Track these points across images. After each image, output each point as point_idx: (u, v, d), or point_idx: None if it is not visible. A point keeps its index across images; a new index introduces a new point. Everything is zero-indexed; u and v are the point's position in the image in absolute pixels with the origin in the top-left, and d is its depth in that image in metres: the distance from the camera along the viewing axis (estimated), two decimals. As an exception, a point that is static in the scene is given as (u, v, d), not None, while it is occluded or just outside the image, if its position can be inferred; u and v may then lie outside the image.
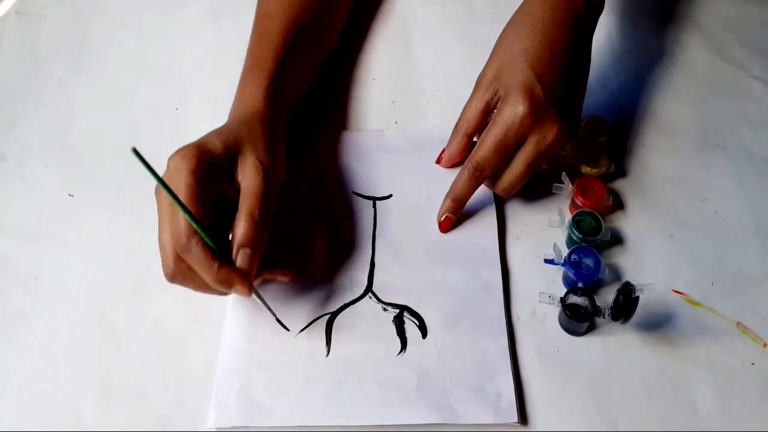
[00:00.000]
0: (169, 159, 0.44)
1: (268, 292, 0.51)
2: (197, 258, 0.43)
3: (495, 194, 0.55)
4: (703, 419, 0.46)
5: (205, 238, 0.43)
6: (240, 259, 0.44)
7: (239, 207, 0.45)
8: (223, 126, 0.49)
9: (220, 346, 0.49)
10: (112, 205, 0.57)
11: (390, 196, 0.56)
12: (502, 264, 0.53)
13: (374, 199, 0.56)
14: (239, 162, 0.47)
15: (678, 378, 0.48)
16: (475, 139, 0.54)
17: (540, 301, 0.50)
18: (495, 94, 0.52)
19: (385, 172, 0.57)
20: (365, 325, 0.50)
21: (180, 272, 0.44)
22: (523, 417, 0.46)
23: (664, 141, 0.60)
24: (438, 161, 0.57)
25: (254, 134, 0.48)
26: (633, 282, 0.47)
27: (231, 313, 0.50)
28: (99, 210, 0.57)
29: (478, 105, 0.53)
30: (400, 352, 0.49)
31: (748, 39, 0.67)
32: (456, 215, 0.54)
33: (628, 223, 0.55)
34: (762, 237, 0.54)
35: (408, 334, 0.49)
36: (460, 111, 0.55)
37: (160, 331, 0.50)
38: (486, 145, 0.50)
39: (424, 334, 0.49)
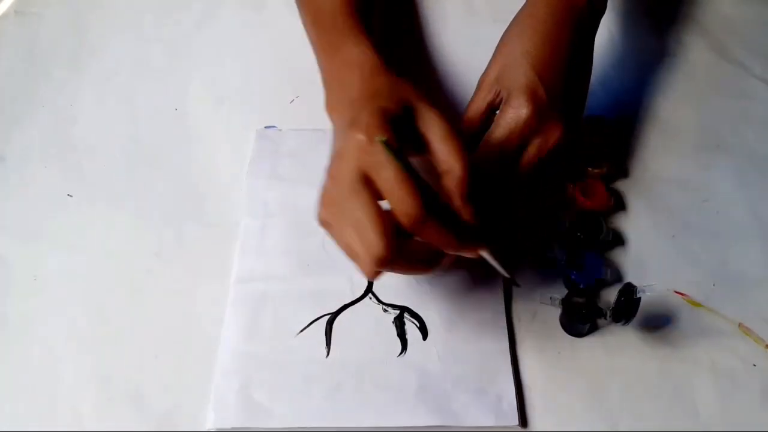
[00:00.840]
0: (354, 133, 0.39)
1: (267, 298, 0.51)
2: (436, 226, 0.38)
3: (496, 195, 0.55)
4: (704, 420, 0.46)
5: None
6: (451, 180, 0.40)
7: (432, 140, 0.41)
8: (368, 91, 0.44)
9: (219, 347, 0.49)
10: (112, 205, 0.57)
11: (390, 196, 0.56)
12: (503, 264, 0.52)
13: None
14: (416, 114, 0.42)
15: (679, 379, 0.48)
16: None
17: (541, 302, 0.50)
18: (497, 96, 0.52)
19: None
20: (365, 326, 0.50)
21: (396, 252, 0.38)
22: (523, 419, 0.46)
23: (666, 141, 0.60)
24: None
25: (402, 84, 0.44)
26: (634, 283, 0.47)
27: (230, 314, 0.50)
28: (99, 210, 0.57)
29: (480, 106, 0.53)
30: (400, 354, 0.49)
31: (749, 39, 0.67)
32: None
33: (629, 223, 0.55)
34: (764, 238, 0.54)
35: (408, 336, 0.49)
36: (461, 111, 0.55)
37: (159, 331, 0.50)
38: (488, 147, 0.50)
39: (425, 336, 0.49)
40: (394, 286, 0.51)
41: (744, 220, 0.55)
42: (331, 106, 0.48)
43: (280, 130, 0.60)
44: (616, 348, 0.49)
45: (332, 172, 0.41)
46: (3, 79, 0.66)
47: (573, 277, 0.50)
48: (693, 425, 0.46)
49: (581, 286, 0.49)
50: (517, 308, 0.51)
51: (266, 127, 0.60)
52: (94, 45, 0.68)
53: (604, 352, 0.49)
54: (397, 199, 0.38)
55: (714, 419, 0.46)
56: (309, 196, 0.55)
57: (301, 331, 0.49)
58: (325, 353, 0.49)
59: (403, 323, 0.50)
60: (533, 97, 0.49)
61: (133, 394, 0.48)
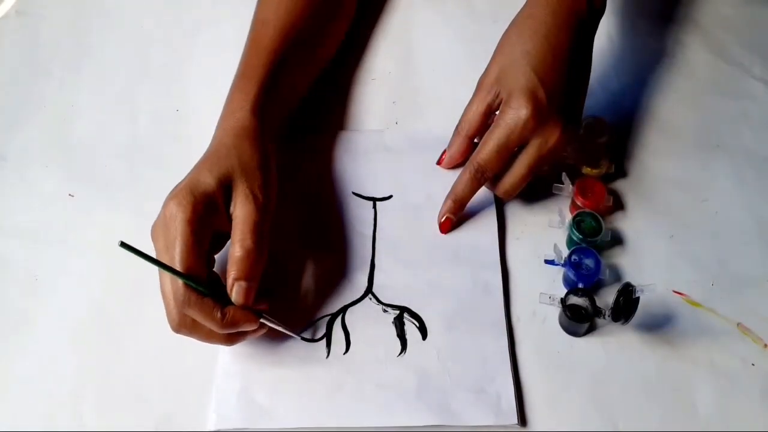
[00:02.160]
0: (165, 205, 0.44)
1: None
2: (198, 311, 0.43)
3: (495, 195, 0.55)
4: (703, 420, 0.46)
5: (201, 290, 0.43)
6: (235, 293, 0.44)
7: (232, 239, 0.45)
8: (212, 153, 0.48)
9: (220, 347, 0.49)
10: (112, 205, 0.57)
11: (390, 196, 0.56)
12: (502, 264, 0.53)
13: (374, 199, 0.56)
14: (232, 193, 0.46)
15: (678, 379, 0.48)
16: (476, 140, 0.54)
17: (540, 302, 0.50)
18: (497, 97, 0.52)
19: (385, 173, 0.57)
20: (365, 327, 0.50)
21: (185, 325, 0.44)
22: (522, 418, 0.46)
23: (665, 141, 0.60)
24: (439, 162, 0.57)
25: (245, 158, 0.47)
26: (633, 283, 0.47)
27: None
28: (99, 210, 0.57)
29: (480, 107, 0.53)
30: (400, 354, 0.49)
31: (748, 39, 0.67)
32: (456, 216, 0.54)
33: (628, 223, 0.55)
34: (763, 238, 0.54)
35: (408, 336, 0.49)
36: (461, 112, 0.55)
37: (160, 331, 0.50)
38: (488, 147, 0.50)
39: (424, 336, 0.49)
40: (394, 286, 0.52)
41: (743, 220, 0.55)
42: (217, 125, 0.51)
43: (280, 130, 0.60)
44: (615, 347, 0.49)
45: (152, 233, 0.45)
46: (3, 79, 0.66)
47: (572, 276, 0.50)
48: (692, 424, 0.46)
49: (580, 286, 0.50)
50: (517, 308, 0.51)
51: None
52: (94, 45, 0.68)
53: (603, 352, 0.49)
54: (162, 278, 0.44)
55: (713, 419, 0.46)
56: (308, 196, 0.56)
57: (302, 331, 0.49)
58: (326, 354, 0.49)
59: (403, 323, 0.50)
60: (533, 98, 0.49)
61: (133, 394, 0.48)
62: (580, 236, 0.52)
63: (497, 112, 0.52)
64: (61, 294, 0.52)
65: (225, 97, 0.53)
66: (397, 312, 0.50)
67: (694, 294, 0.51)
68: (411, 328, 0.50)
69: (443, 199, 0.54)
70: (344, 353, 0.49)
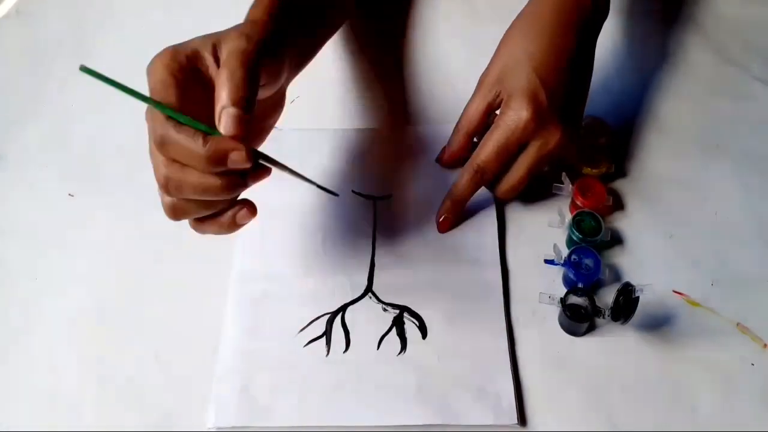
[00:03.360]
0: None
1: (267, 298, 0.51)
2: (178, 139, 0.36)
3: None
4: (702, 420, 0.46)
5: (183, 119, 0.36)
6: (224, 121, 0.37)
7: (219, 73, 0.38)
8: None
9: (220, 346, 0.49)
10: (112, 205, 0.57)
11: (390, 195, 0.56)
12: (502, 264, 0.53)
13: (374, 198, 0.56)
14: (221, 46, 0.40)
15: (678, 378, 0.48)
16: (475, 139, 0.54)
17: (540, 302, 0.50)
18: (497, 96, 0.52)
19: (385, 172, 0.57)
20: (365, 325, 0.50)
21: (172, 175, 0.37)
22: (522, 418, 0.46)
23: (665, 141, 0.60)
24: (438, 159, 0.57)
25: (244, 29, 0.42)
26: (633, 282, 0.47)
27: (231, 313, 0.50)
28: (99, 210, 0.57)
29: (480, 105, 0.53)
30: (399, 353, 0.49)
31: (748, 40, 0.67)
32: (455, 216, 0.54)
33: (628, 223, 0.55)
34: (762, 238, 0.54)
35: (408, 335, 0.49)
36: (461, 110, 0.55)
37: (159, 331, 0.50)
38: (488, 148, 0.50)
39: (424, 335, 0.49)
40: (394, 285, 0.52)
41: (742, 220, 0.55)
42: None
43: (281, 129, 0.60)
44: (614, 347, 0.49)
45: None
46: (3, 79, 0.66)
47: (572, 276, 0.50)
48: (691, 424, 0.46)
49: (580, 286, 0.50)
50: (517, 307, 0.51)
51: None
52: (94, 45, 0.68)
53: (602, 352, 0.49)
54: (149, 142, 0.38)
55: (712, 418, 0.46)
56: (310, 196, 0.56)
57: (302, 330, 0.49)
58: (325, 352, 0.49)
59: (403, 322, 0.50)
60: (534, 100, 0.49)
61: (133, 394, 0.48)
62: (580, 236, 0.52)
63: (497, 112, 0.52)
64: (61, 294, 0.52)
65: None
66: (397, 311, 0.50)
67: (694, 294, 0.51)
68: (411, 328, 0.50)
69: (443, 199, 0.54)
70: (344, 352, 0.49)
